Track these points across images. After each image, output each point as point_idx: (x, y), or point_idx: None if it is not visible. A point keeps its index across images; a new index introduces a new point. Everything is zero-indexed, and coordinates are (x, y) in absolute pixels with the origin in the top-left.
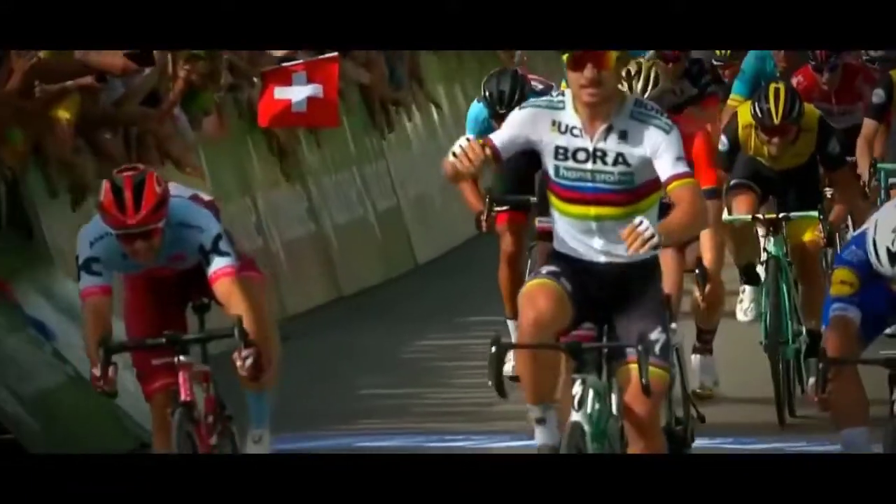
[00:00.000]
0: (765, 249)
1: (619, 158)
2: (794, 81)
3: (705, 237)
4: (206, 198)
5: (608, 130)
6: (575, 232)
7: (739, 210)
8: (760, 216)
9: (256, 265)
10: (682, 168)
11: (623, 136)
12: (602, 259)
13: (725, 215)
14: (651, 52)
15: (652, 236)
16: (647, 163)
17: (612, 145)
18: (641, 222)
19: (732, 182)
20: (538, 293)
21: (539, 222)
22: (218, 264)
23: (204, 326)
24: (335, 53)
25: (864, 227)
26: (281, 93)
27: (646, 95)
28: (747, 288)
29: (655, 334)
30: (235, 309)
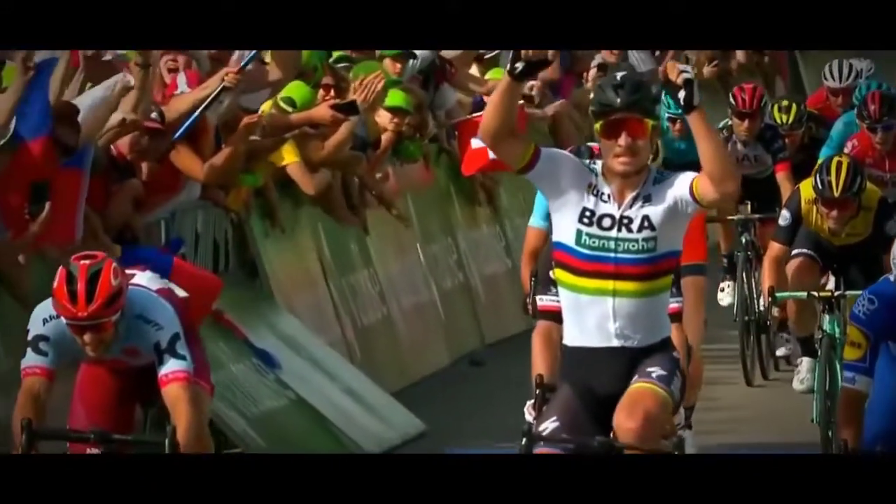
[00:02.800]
0: (820, 327)
1: (645, 222)
2: (849, 146)
3: (689, 313)
4: (181, 294)
5: (635, 198)
6: (590, 311)
7: (800, 278)
8: (816, 294)
9: (209, 372)
10: None
11: (648, 200)
12: (615, 343)
13: (781, 292)
14: (726, 122)
15: (689, 71)
16: (672, 220)
17: (637, 211)
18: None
19: (793, 252)
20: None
21: (540, 301)
22: (171, 367)
23: (147, 424)
24: (520, 101)
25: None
26: (477, 142)
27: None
28: (805, 359)
29: (658, 370)
30: (179, 417)
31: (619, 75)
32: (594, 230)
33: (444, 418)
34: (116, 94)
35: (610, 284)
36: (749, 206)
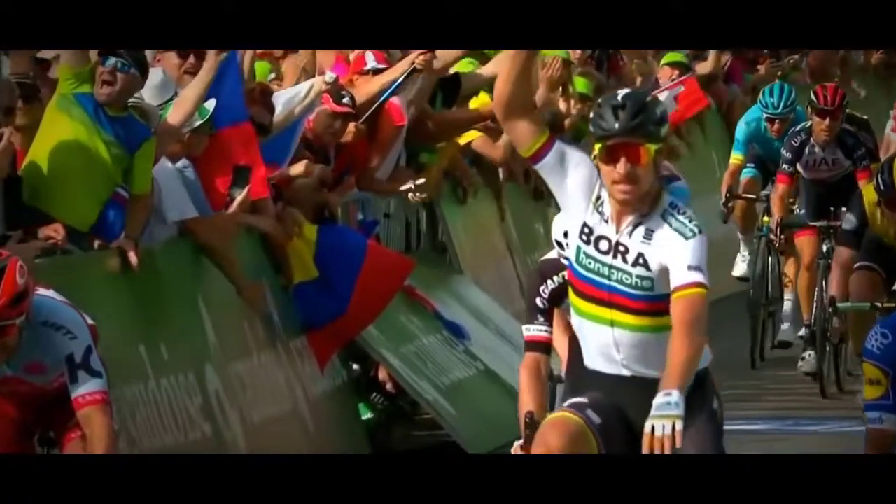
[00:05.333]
0: None
1: (640, 259)
2: None
3: None
4: (90, 322)
5: (635, 226)
6: (593, 337)
7: (860, 292)
8: (879, 305)
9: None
10: (689, 278)
11: (648, 236)
12: (626, 373)
13: (843, 303)
14: (804, 124)
15: (672, 432)
16: (668, 273)
17: (635, 243)
18: (654, 427)
19: (857, 264)
20: (551, 431)
21: (527, 331)
22: (88, 387)
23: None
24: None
25: None
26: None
27: None
28: None
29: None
30: (96, 446)
31: (620, 95)
32: (591, 250)
33: None
34: (314, 94)
35: (607, 313)
36: (831, 214)
